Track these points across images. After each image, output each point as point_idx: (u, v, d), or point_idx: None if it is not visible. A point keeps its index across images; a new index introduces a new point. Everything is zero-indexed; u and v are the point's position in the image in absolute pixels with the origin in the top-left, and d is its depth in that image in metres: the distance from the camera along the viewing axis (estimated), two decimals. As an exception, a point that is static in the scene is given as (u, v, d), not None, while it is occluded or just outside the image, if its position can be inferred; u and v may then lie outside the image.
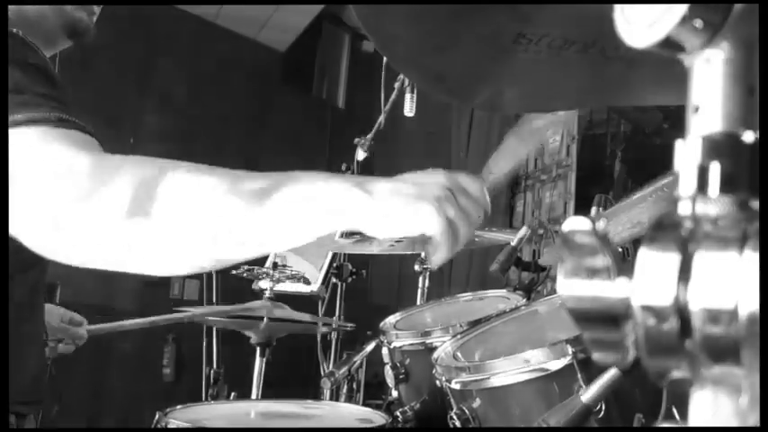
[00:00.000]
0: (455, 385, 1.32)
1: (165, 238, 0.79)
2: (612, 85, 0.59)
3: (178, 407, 1.45)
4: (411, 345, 1.67)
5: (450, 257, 0.82)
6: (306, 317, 2.19)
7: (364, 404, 1.94)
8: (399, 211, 0.78)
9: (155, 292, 4.00)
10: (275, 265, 2.27)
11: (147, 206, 0.77)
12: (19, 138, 0.83)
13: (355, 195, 0.78)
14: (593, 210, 1.38)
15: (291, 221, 0.78)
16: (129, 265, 0.82)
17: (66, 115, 0.88)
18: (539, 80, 0.61)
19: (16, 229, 0.81)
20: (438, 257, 0.81)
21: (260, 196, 0.77)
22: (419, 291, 2.24)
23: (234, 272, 2.33)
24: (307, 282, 2.53)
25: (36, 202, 0.80)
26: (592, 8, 0.44)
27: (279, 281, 2.26)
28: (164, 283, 4.24)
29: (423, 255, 2.22)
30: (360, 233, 0.82)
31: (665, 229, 0.34)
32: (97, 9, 1.32)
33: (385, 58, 2.35)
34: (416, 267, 2.24)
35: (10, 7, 1.23)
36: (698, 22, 0.34)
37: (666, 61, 0.36)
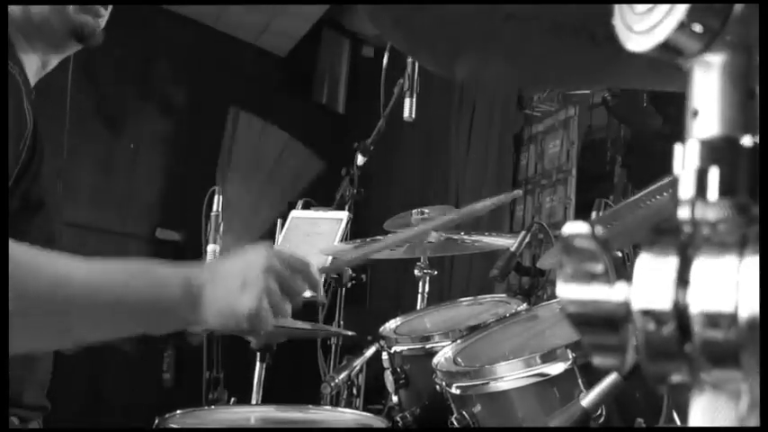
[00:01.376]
0: (455, 390, 1.31)
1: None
2: (604, 69, 0.59)
3: (178, 412, 1.45)
4: (411, 350, 1.67)
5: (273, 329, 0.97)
6: (306, 325, 2.18)
7: (364, 409, 1.93)
8: (225, 307, 0.92)
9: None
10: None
11: None
12: None
13: (186, 301, 0.92)
14: (593, 214, 1.38)
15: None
16: None
17: None
18: (528, 58, 0.61)
19: None
20: (262, 334, 0.93)
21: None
22: (419, 295, 2.24)
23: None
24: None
25: None
26: None
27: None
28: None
29: (422, 260, 2.22)
30: None
31: (665, 234, 0.34)
32: (104, 11, 1.32)
33: (385, 62, 2.35)
34: (416, 272, 2.23)
35: (15, 9, 1.24)
36: (697, 27, 0.34)
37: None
